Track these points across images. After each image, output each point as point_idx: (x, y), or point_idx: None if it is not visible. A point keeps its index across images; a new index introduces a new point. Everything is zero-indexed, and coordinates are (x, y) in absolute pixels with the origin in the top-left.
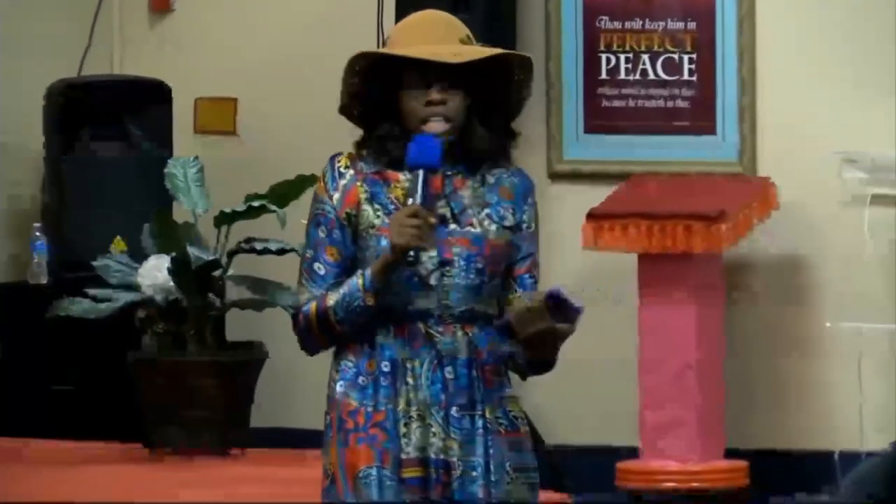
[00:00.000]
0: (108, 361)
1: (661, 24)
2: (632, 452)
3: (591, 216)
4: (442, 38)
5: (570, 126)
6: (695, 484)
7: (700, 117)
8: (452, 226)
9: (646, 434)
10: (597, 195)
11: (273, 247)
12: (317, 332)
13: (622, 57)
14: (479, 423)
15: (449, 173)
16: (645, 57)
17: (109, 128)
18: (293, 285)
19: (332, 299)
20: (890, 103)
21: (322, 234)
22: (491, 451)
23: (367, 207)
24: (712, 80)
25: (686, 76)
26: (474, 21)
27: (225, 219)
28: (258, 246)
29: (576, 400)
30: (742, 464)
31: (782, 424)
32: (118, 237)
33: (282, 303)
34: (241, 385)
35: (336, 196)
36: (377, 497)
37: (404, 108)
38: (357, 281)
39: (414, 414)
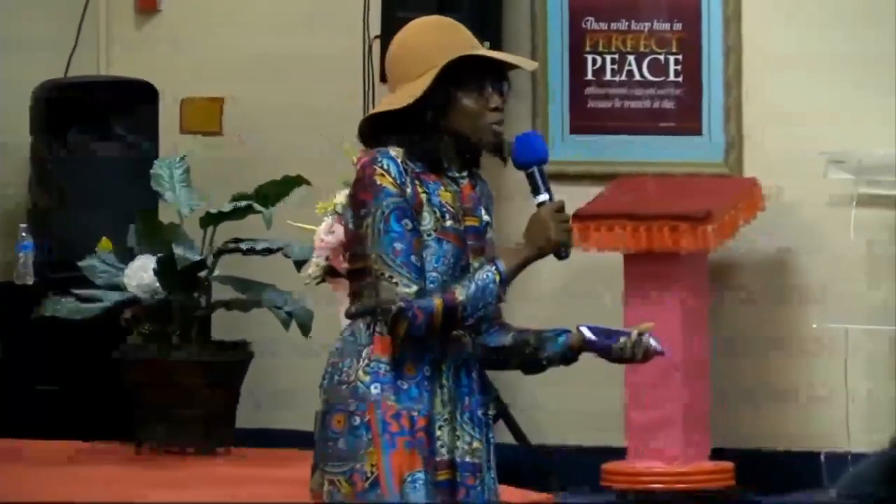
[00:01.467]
0: (94, 361)
1: (647, 24)
2: (618, 453)
3: (578, 217)
4: (479, 44)
5: (555, 126)
6: (681, 485)
7: (686, 118)
8: (488, 232)
9: (632, 434)
10: (583, 196)
11: (259, 247)
12: (437, 327)
13: (608, 58)
14: (484, 423)
15: (464, 181)
16: (631, 58)
17: (96, 128)
18: (279, 285)
19: (461, 294)
20: (876, 103)
21: (408, 227)
22: (491, 450)
23: (427, 209)
24: (698, 81)
25: (672, 77)
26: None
27: (211, 219)
28: (244, 246)
29: (562, 400)
30: (728, 465)
31: (768, 425)
32: (104, 238)
33: (268, 303)
34: (226, 385)
35: (409, 190)
36: (424, 500)
37: (463, 111)
38: (492, 276)
39: (447, 416)
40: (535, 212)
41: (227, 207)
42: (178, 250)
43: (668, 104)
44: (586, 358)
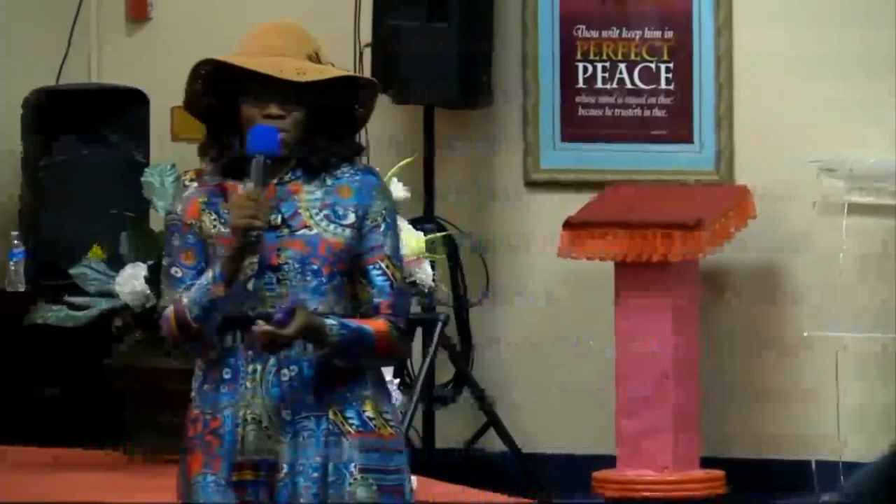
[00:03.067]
0: (85, 368)
1: (639, 32)
2: (608, 461)
3: (569, 224)
4: (289, 52)
5: (546, 135)
6: (672, 493)
7: (677, 126)
8: (284, 231)
9: (622, 442)
10: (574, 204)
11: None
12: (175, 333)
13: (599, 65)
14: (323, 424)
15: (286, 179)
16: (622, 66)
17: (87, 135)
18: None
19: (186, 297)
20: (868, 111)
21: (175, 242)
22: (330, 451)
23: (205, 218)
24: (689, 89)
25: (663, 85)
26: (451, 30)
27: None
28: None
29: (552, 408)
30: (719, 473)
31: (759, 433)
32: (96, 245)
33: None
34: None
35: (180, 206)
36: (206, 500)
37: (243, 118)
38: (207, 275)
39: (250, 418)
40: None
41: None
42: None
43: (659, 112)
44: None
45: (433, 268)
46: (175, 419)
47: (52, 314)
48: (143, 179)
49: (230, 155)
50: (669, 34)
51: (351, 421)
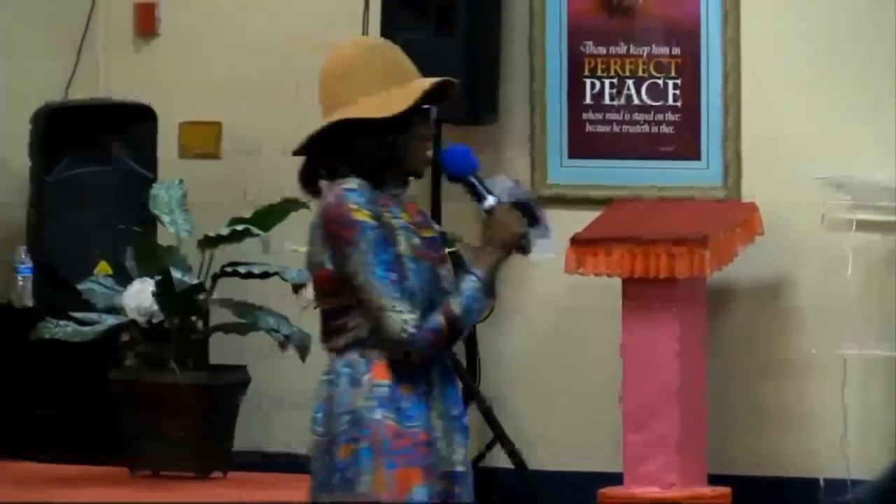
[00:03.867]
0: (91, 383)
1: (646, 49)
2: (614, 478)
3: (575, 241)
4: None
5: (554, 151)
6: None
7: (684, 142)
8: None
9: (628, 459)
10: (581, 220)
11: (257, 270)
12: (445, 343)
13: (606, 82)
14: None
15: (403, 197)
16: (629, 82)
17: (95, 150)
18: (276, 308)
19: (456, 308)
20: (875, 127)
21: (393, 256)
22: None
23: (399, 232)
24: (697, 106)
25: (670, 101)
26: (458, 45)
27: (209, 242)
28: (242, 269)
29: (558, 424)
30: (725, 490)
31: (766, 449)
32: (103, 261)
33: (265, 326)
34: (223, 408)
35: (381, 219)
36: None
37: (415, 137)
38: (474, 285)
39: (442, 429)
40: (491, 215)
41: (224, 231)
42: (175, 273)
43: (666, 128)
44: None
45: None
46: (180, 434)
47: (59, 329)
48: (150, 195)
49: (389, 172)
50: (677, 50)
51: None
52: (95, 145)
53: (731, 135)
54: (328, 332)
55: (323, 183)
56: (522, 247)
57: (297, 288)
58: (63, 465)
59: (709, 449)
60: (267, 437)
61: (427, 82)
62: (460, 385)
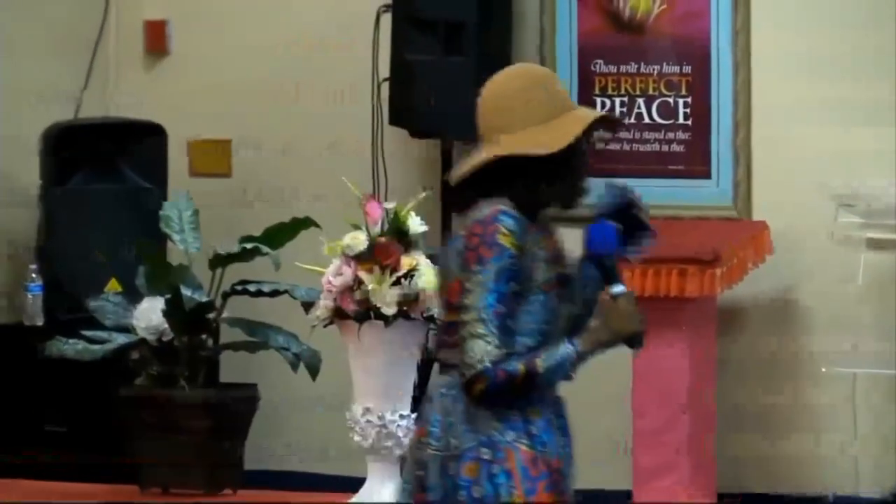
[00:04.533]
0: (101, 402)
1: (657, 67)
2: (624, 497)
3: None
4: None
5: None
6: None
7: (695, 161)
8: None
9: (638, 477)
10: None
11: (267, 289)
12: (516, 392)
13: (617, 100)
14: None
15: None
16: (640, 100)
17: (105, 169)
18: (287, 327)
19: (541, 365)
20: (887, 146)
21: (510, 290)
22: None
23: (539, 263)
24: (707, 124)
25: (681, 120)
26: (468, 64)
27: (219, 261)
28: (252, 288)
29: None
30: None
31: (775, 466)
32: (113, 279)
33: (275, 344)
34: (233, 426)
35: (522, 251)
36: None
37: (576, 165)
38: (569, 354)
39: (566, 454)
40: (614, 301)
41: (234, 249)
42: (186, 292)
43: (677, 147)
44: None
45: None
46: (190, 452)
47: (69, 347)
48: (160, 214)
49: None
50: (687, 69)
51: None
52: (105, 164)
53: (742, 153)
54: (446, 345)
55: (482, 201)
56: (633, 343)
57: (308, 306)
58: (72, 483)
59: (719, 466)
60: (277, 455)
61: (589, 117)
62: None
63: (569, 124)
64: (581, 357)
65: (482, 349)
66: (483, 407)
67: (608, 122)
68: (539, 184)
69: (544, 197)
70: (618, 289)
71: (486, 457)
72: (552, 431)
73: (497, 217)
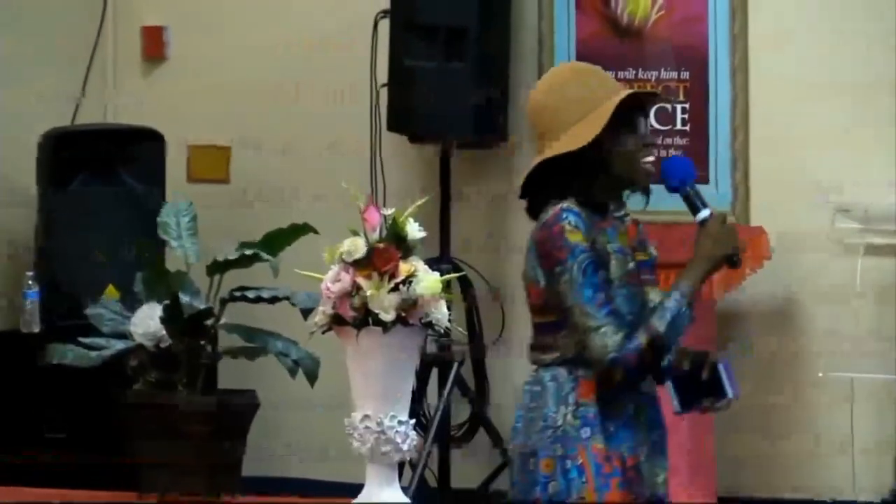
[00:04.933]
0: (100, 409)
1: (655, 73)
2: None
3: None
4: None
5: None
6: None
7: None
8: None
9: None
10: None
11: (266, 295)
12: (649, 363)
13: None
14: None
15: (627, 219)
16: None
17: (103, 176)
18: (286, 333)
19: (660, 325)
20: (885, 152)
21: (603, 278)
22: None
23: (613, 256)
24: (705, 130)
25: (679, 126)
26: (467, 70)
27: (217, 267)
28: (251, 294)
29: None
30: None
31: (774, 472)
32: (111, 285)
33: (274, 351)
34: (232, 433)
35: (594, 243)
36: None
37: (626, 150)
38: (680, 299)
39: (647, 452)
40: (704, 227)
41: (233, 255)
42: (184, 298)
43: (675, 153)
44: None
45: (449, 309)
46: (189, 458)
47: (66, 354)
48: (158, 220)
49: (609, 192)
50: (685, 75)
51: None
52: (103, 170)
53: (740, 159)
54: (536, 347)
55: (549, 204)
56: (733, 262)
57: (307, 313)
58: (71, 490)
59: (718, 471)
60: (276, 460)
61: (615, 100)
62: (661, 406)
63: (599, 116)
64: (691, 297)
65: (601, 342)
66: (635, 385)
67: (642, 98)
68: (588, 179)
69: (598, 189)
70: (702, 214)
71: (559, 453)
72: (633, 428)
73: (559, 217)
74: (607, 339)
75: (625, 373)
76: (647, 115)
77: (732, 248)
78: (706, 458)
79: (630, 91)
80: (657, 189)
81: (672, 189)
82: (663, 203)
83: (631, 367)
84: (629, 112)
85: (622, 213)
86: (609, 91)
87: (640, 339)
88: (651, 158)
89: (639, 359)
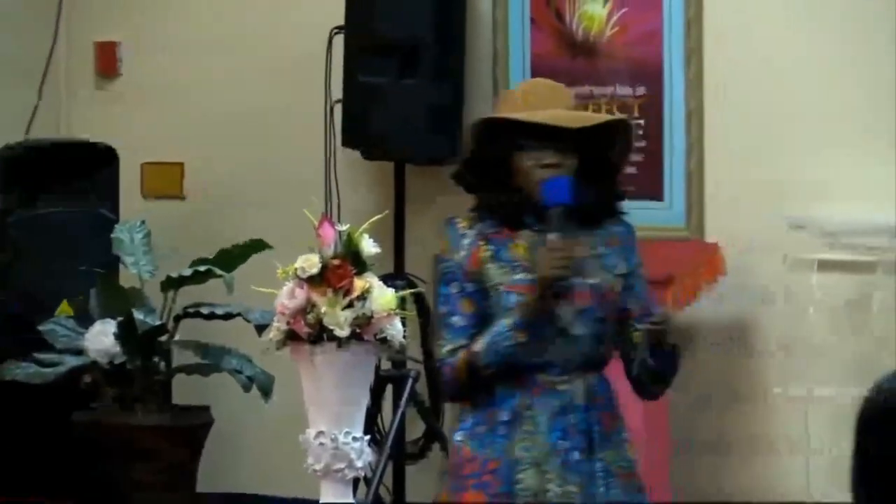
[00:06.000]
0: (54, 425)
1: (609, 89)
2: None
3: None
4: (556, 103)
5: None
6: None
7: (648, 182)
8: (576, 280)
9: None
10: None
11: (220, 311)
12: (464, 380)
13: None
14: (598, 465)
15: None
16: None
17: (57, 191)
18: (241, 349)
19: (479, 345)
20: (838, 169)
21: (454, 290)
22: (611, 491)
23: (490, 265)
24: (660, 146)
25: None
26: (422, 86)
27: (171, 283)
28: (205, 310)
29: None
30: None
31: (729, 490)
32: (65, 301)
33: (228, 367)
34: (186, 449)
35: (461, 254)
36: None
37: (520, 169)
38: (504, 321)
39: (529, 461)
40: (538, 249)
41: (187, 272)
42: (138, 315)
43: (629, 169)
44: None
45: (404, 325)
46: (144, 475)
47: (20, 371)
48: (112, 236)
49: (515, 204)
50: (640, 90)
51: (620, 463)
52: (57, 186)
53: (695, 175)
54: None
55: None
56: (555, 291)
57: (261, 329)
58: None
59: (673, 487)
60: (231, 477)
61: (516, 116)
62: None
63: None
64: (519, 320)
65: (437, 352)
66: (454, 402)
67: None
68: (486, 190)
69: (490, 206)
70: (550, 237)
71: (446, 457)
72: (502, 434)
73: (442, 226)
74: (440, 349)
75: (444, 383)
76: (557, 138)
77: (548, 275)
78: (661, 476)
79: (503, 116)
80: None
81: (545, 206)
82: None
83: (446, 380)
84: (534, 131)
85: (540, 226)
86: (537, 110)
87: (459, 355)
88: (547, 178)
89: (453, 373)
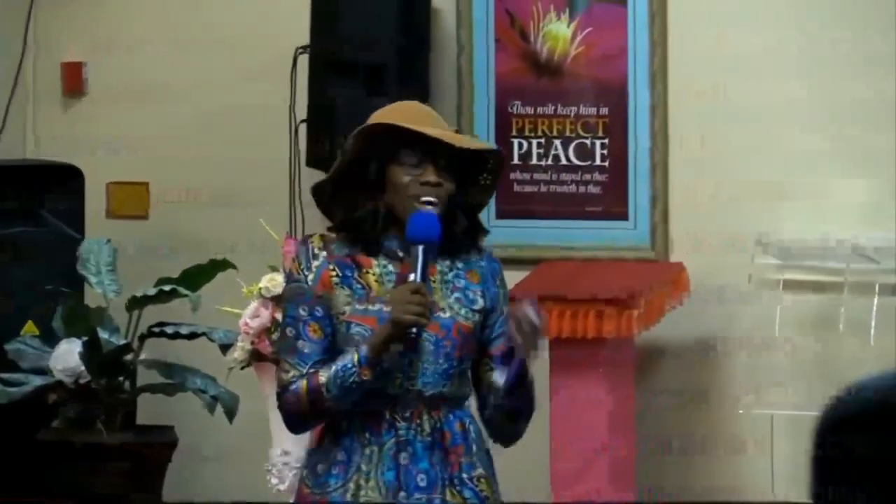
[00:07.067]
0: (19, 444)
1: (574, 109)
2: None
3: None
4: (434, 125)
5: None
6: None
7: (612, 202)
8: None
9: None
10: (508, 280)
11: (184, 331)
12: (306, 410)
13: (534, 142)
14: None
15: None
16: (557, 142)
17: (22, 211)
18: (204, 369)
19: (323, 376)
20: (802, 188)
21: (303, 312)
22: None
23: (338, 291)
24: (624, 166)
25: (598, 161)
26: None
27: (136, 303)
28: (169, 330)
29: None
30: None
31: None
32: (30, 321)
33: (192, 387)
34: (151, 469)
35: (311, 276)
36: None
37: (396, 183)
38: (351, 357)
39: (363, 500)
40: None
41: (151, 291)
42: (103, 334)
43: (594, 189)
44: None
45: None
46: (109, 494)
47: None
48: (78, 255)
49: (373, 226)
50: (605, 110)
51: (468, 501)
52: (22, 205)
53: (659, 195)
54: None
55: None
56: (409, 335)
57: (225, 348)
58: None
59: (639, 490)
60: (195, 497)
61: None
62: (456, 461)
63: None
64: (365, 357)
65: (279, 378)
66: (294, 431)
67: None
68: (347, 208)
69: (350, 228)
70: (410, 277)
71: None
72: (337, 473)
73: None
74: (282, 375)
75: (284, 412)
76: (441, 155)
77: (400, 319)
78: (627, 496)
79: (378, 122)
80: (574, 224)
81: (408, 241)
82: (581, 239)
83: (287, 408)
84: (420, 150)
85: (399, 251)
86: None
87: (301, 383)
88: (426, 194)
89: (295, 402)
